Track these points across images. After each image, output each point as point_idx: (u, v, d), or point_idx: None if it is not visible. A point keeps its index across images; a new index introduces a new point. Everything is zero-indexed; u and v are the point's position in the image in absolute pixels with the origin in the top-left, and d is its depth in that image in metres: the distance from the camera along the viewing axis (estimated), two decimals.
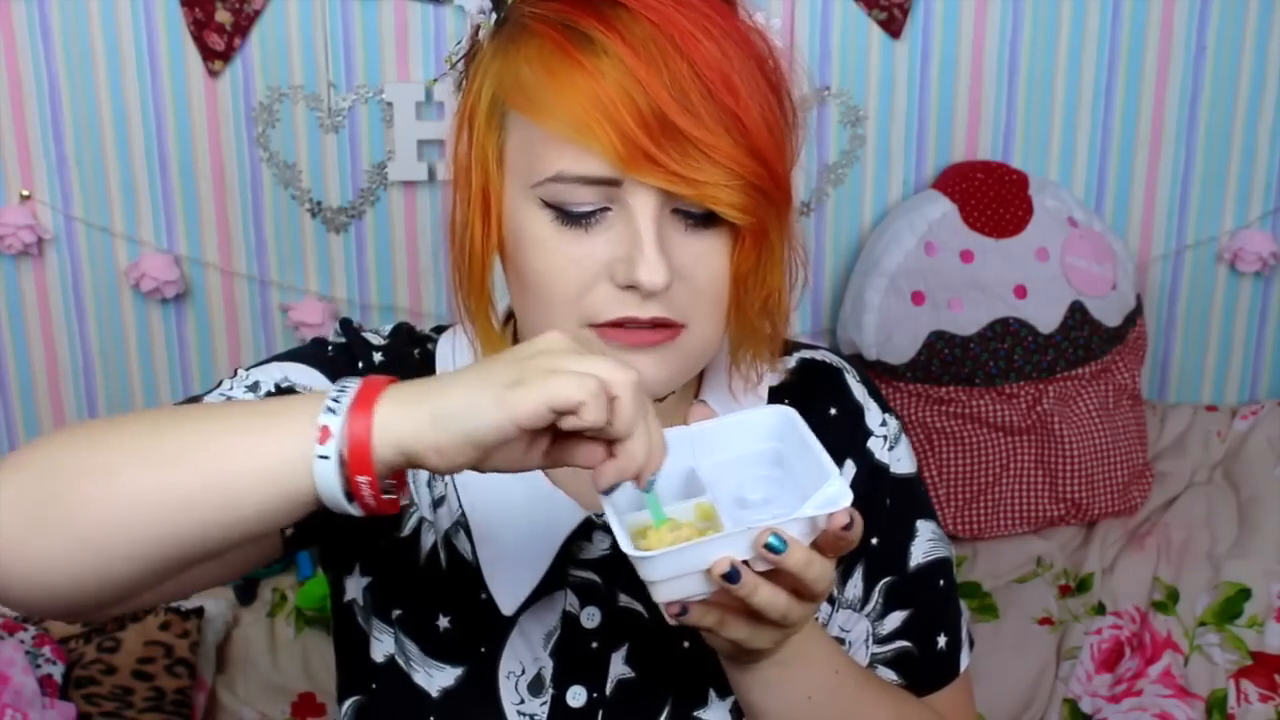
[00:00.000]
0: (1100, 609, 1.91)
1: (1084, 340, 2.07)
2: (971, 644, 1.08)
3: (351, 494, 0.76)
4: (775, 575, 0.81)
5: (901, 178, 2.17)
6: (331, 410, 0.75)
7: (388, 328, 1.06)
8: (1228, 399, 2.32)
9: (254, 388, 0.96)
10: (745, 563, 0.79)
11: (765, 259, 0.93)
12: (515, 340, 1.02)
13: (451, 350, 1.03)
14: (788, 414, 0.88)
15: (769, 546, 0.78)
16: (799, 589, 0.82)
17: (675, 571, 0.79)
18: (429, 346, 1.05)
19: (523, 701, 0.98)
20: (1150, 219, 2.23)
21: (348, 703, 1.03)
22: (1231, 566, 1.93)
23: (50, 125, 2.04)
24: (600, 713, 0.98)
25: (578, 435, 0.77)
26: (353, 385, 0.77)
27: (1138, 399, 2.15)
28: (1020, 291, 2.04)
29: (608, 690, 0.99)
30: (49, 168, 2.05)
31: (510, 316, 1.03)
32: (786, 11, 2.05)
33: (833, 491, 0.81)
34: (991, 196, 2.07)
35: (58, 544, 0.77)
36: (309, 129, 2.06)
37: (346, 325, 1.04)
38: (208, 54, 2.01)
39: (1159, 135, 2.19)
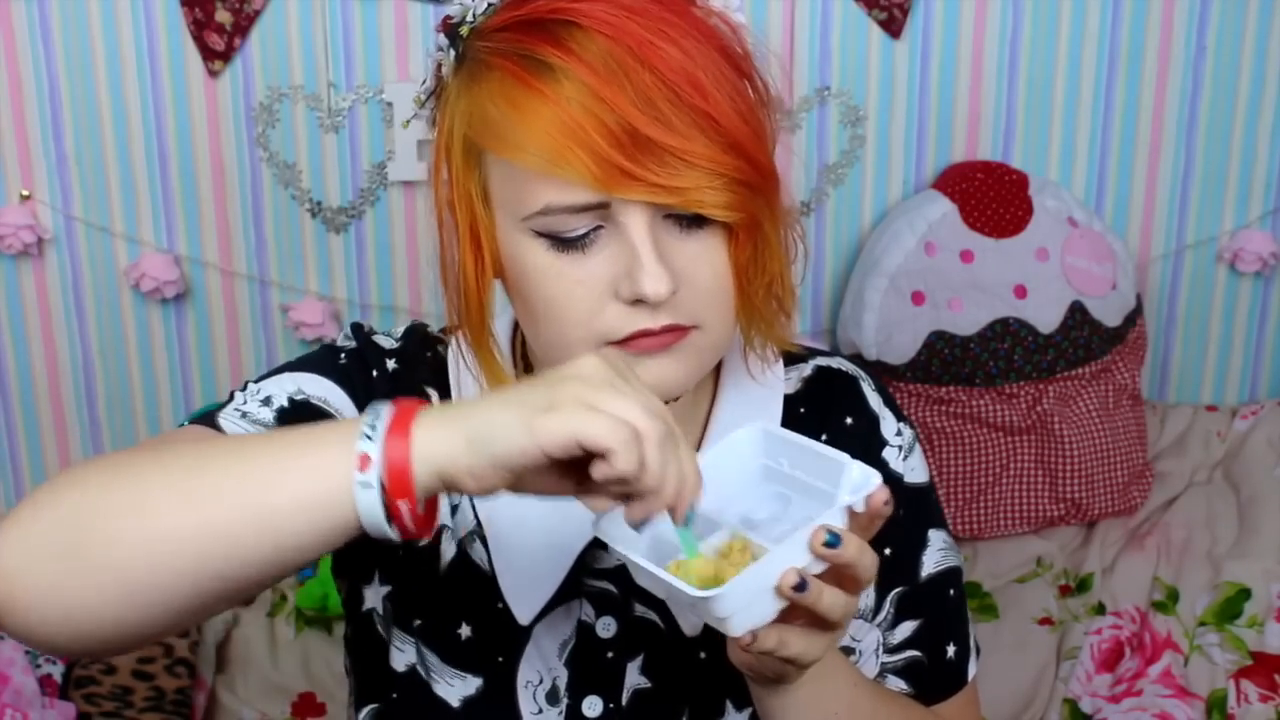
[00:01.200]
0: (1100, 609, 1.91)
1: (1084, 340, 2.07)
2: (978, 652, 1.09)
3: (390, 518, 0.76)
4: (825, 574, 0.81)
5: (901, 178, 2.17)
6: (368, 437, 0.75)
7: (400, 329, 1.05)
8: (1228, 399, 2.32)
9: (267, 402, 0.95)
10: (804, 569, 0.79)
11: (762, 247, 0.93)
12: (523, 354, 1.02)
13: (459, 358, 1.03)
14: (763, 429, 0.88)
15: (827, 544, 0.79)
16: (848, 581, 0.82)
17: (745, 600, 0.79)
18: (441, 350, 1.04)
19: (540, 711, 0.98)
20: (1150, 219, 2.23)
21: (365, 710, 1.03)
22: (1231, 566, 1.93)
23: (50, 125, 2.04)
24: None
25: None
26: (385, 410, 0.76)
27: (1138, 399, 2.15)
28: (1020, 291, 2.04)
29: (623, 700, 0.99)
30: (49, 168, 2.05)
31: (516, 326, 1.03)
32: (786, 11, 2.06)
33: (858, 475, 0.81)
34: (991, 196, 2.07)
35: (96, 587, 0.75)
36: (309, 129, 2.06)
37: (358, 330, 1.03)
38: (208, 54, 2.01)
39: (1159, 135, 2.19)
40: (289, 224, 2.10)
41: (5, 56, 2.01)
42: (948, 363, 2.04)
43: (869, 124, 2.13)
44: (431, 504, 0.78)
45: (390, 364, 1.01)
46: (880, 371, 2.07)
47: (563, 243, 0.89)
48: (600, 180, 0.85)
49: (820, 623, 0.82)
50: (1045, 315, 2.05)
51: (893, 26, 2.09)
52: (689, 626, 1.00)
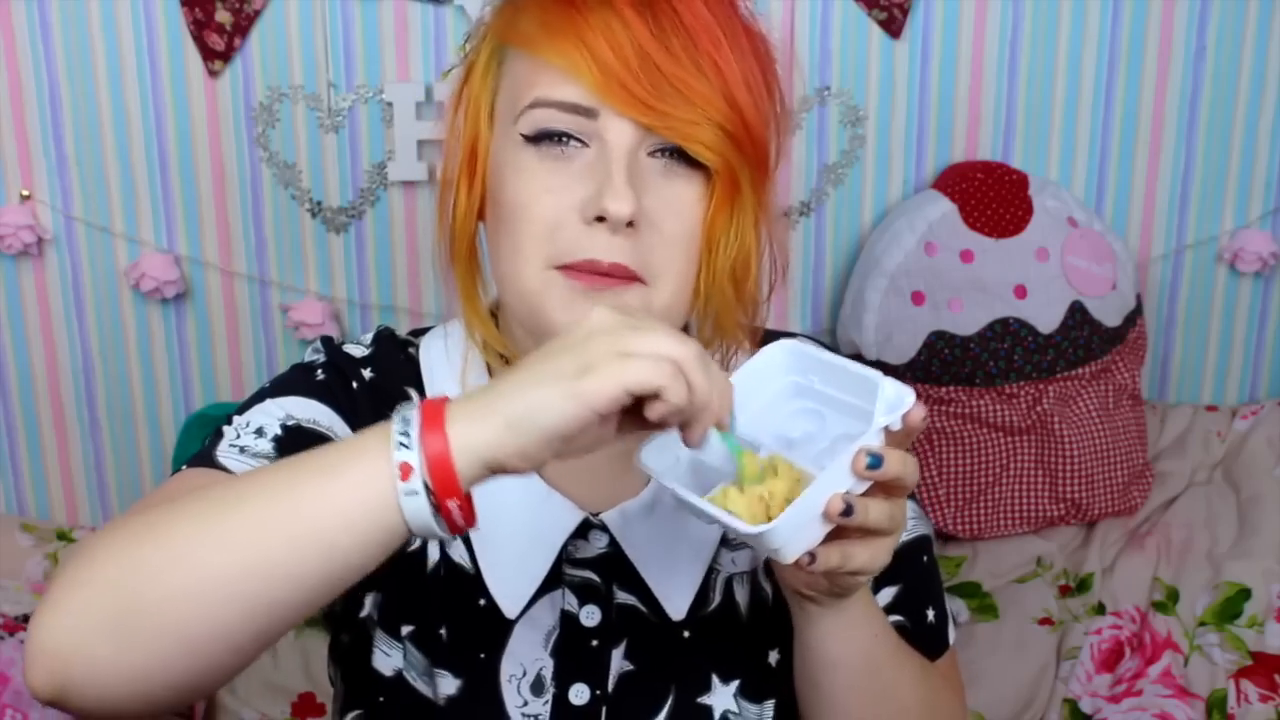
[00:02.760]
0: (1100, 609, 1.91)
1: (1084, 340, 2.07)
2: (954, 620, 1.11)
3: (439, 515, 0.76)
4: (871, 488, 0.83)
5: (901, 178, 2.17)
6: (404, 445, 0.75)
7: (368, 336, 1.05)
8: (1228, 399, 2.32)
9: (260, 433, 0.94)
10: (848, 493, 0.82)
11: (738, 214, 0.94)
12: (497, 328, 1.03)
13: (444, 349, 1.03)
14: (793, 345, 0.90)
15: (870, 466, 0.81)
16: (894, 489, 0.84)
17: (794, 530, 0.81)
18: (411, 351, 1.05)
19: (526, 704, 0.99)
20: (1150, 219, 2.23)
21: (350, 716, 1.03)
22: (1231, 566, 1.93)
23: (50, 125, 2.04)
24: (604, 709, 0.99)
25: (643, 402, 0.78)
26: (413, 414, 0.76)
27: (1138, 399, 2.15)
28: (1020, 291, 2.04)
29: (610, 686, 0.99)
30: (49, 168, 2.05)
31: (492, 312, 1.04)
32: (786, 11, 2.06)
33: (892, 393, 0.83)
34: (991, 196, 2.07)
35: (159, 652, 0.75)
36: (309, 129, 2.06)
37: (327, 343, 1.03)
38: (208, 54, 2.01)
39: (1159, 135, 2.19)
40: (289, 224, 2.10)
41: (5, 56, 2.01)
42: (948, 363, 2.04)
43: (869, 124, 2.13)
44: (471, 496, 0.79)
45: (366, 373, 1.01)
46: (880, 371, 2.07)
47: (547, 140, 0.92)
48: (598, 85, 0.89)
49: (875, 533, 0.84)
50: (1045, 315, 2.05)
51: (893, 26, 2.09)
52: (679, 606, 1.00)
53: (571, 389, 0.74)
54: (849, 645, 0.94)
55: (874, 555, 0.85)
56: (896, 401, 0.82)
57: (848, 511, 0.81)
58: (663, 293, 0.93)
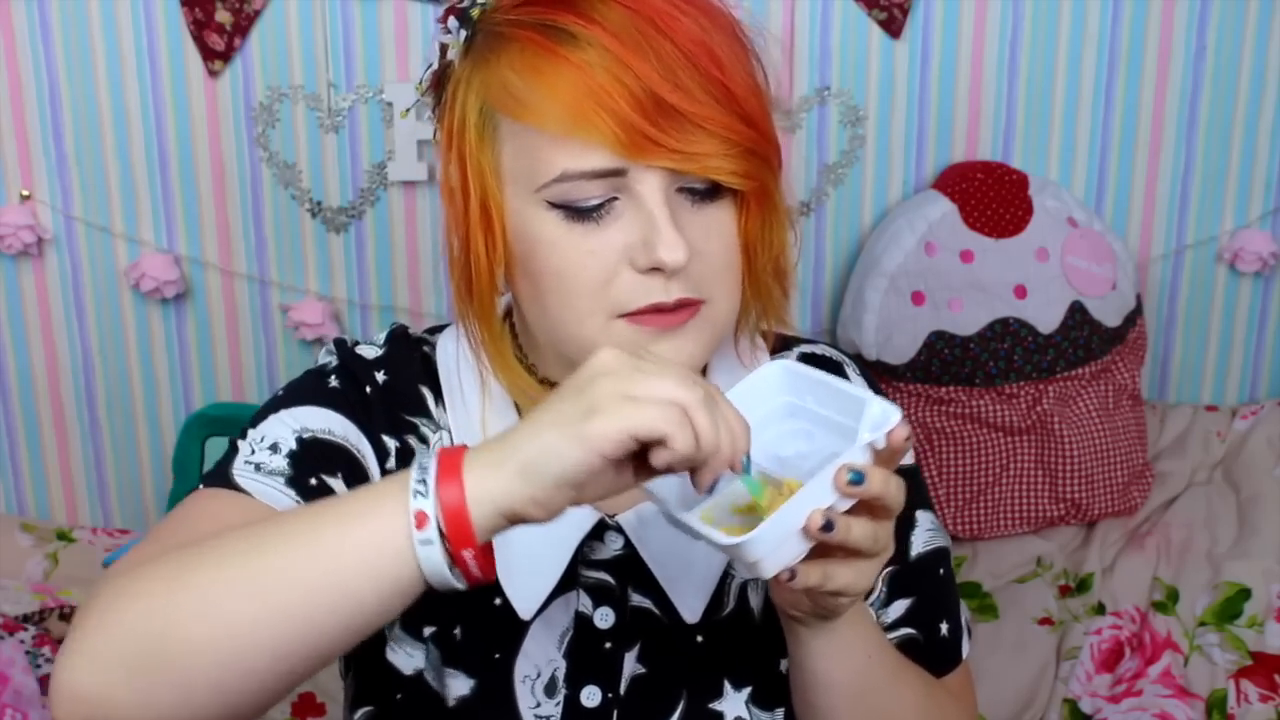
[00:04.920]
0: (1100, 609, 1.91)
1: (1084, 340, 2.07)
2: (970, 632, 1.10)
3: (455, 566, 0.76)
4: (855, 508, 0.82)
5: (901, 178, 2.17)
6: (420, 494, 0.74)
7: (382, 335, 1.05)
8: (1228, 399, 2.32)
9: (275, 448, 0.94)
10: (829, 509, 0.81)
11: (770, 218, 0.94)
12: (515, 339, 1.02)
13: (456, 352, 1.03)
14: (786, 365, 0.90)
15: (851, 482, 0.80)
16: (879, 511, 0.83)
17: (774, 544, 0.80)
18: (425, 350, 1.04)
19: (538, 705, 0.99)
20: (1150, 219, 2.23)
21: (360, 712, 1.03)
22: (1231, 566, 1.93)
23: (50, 125, 2.04)
24: (615, 712, 0.99)
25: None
26: (430, 462, 0.76)
27: (1138, 399, 2.15)
28: (1020, 291, 2.04)
29: (622, 689, 0.99)
30: (49, 168, 2.05)
31: (507, 314, 1.03)
32: (786, 11, 2.06)
33: (878, 412, 0.82)
34: (991, 196, 2.07)
35: (185, 698, 0.75)
36: (309, 129, 2.06)
37: (341, 346, 1.03)
38: (208, 54, 2.01)
39: (1159, 135, 2.19)
40: (289, 224, 2.10)
41: (5, 56, 2.01)
42: (948, 363, 2.04)
43: (869, 124, 2.13)
44: (489, 546, 0.78)
45: (380, 375, 1.01)
46: (880, 372, 2.07)
47: (577, 213, 0.89)
48: (623, 144, 0.86)
49: (857, 554, 0.84)
50: (1045, 315, 2.05)
51: (893, 26, 2.09)
52: (693, 610, 1.00)
53: (577, 433, 0.73)
54: (840, 667, 0.94)
55: (857, 577, 0.84)
56: (881, 419, 0.82)
57: (828, 527, 0.80)
58: (720, 308, 0.93)
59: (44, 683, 1.73)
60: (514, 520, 0.76)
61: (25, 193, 2.05)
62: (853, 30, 2.09)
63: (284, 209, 2.09)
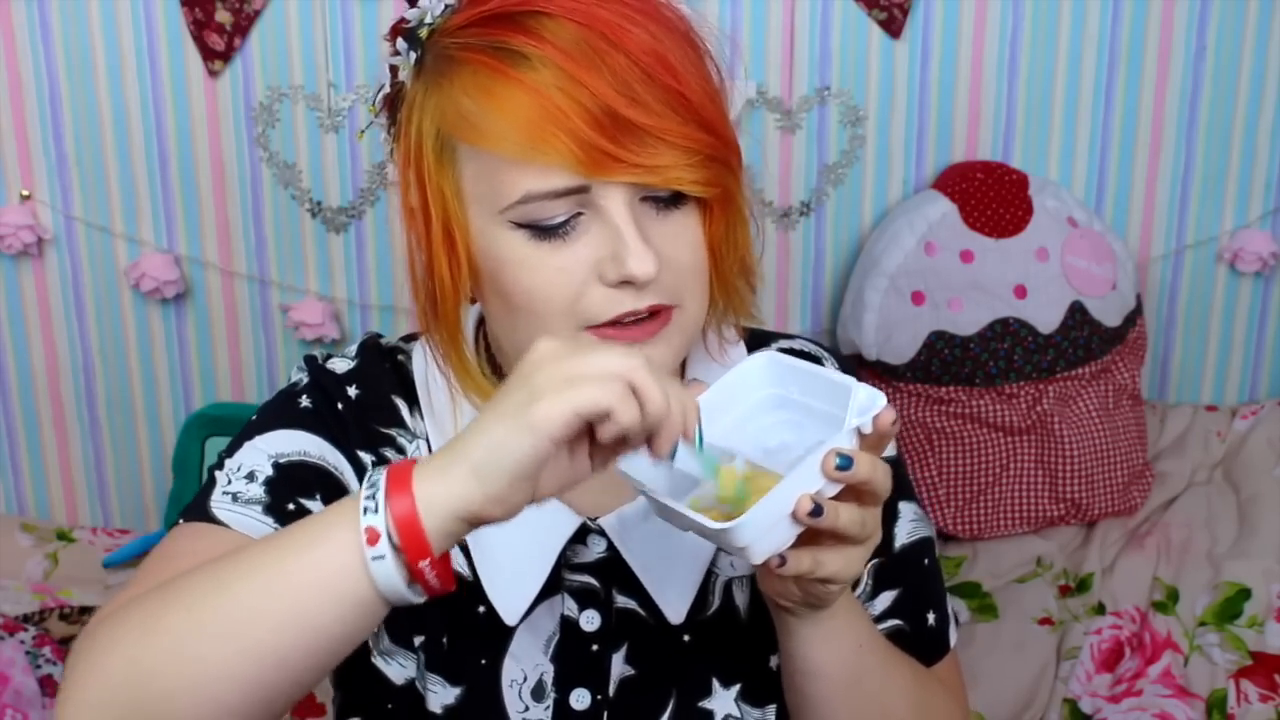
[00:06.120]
0: (1100, 609, 1.91)
1: (1084, 340, 2.07)
2: (956, 621, 1.11)
3: (414, 580, 0.76)
4: (842, 493, 0.82)
5: (901, 178, 2.17)
6: (370, 510, 0.75)
7: (354, 347, 1.04)
8: (1228, 399, 2.32)
9: (251, 477, 0.94)
10: (817, 494, 0.81)
11: (734, 219, 0.94)
12: (489, 358, 1.02)
13: (425, 363, 1.02)
14: (771, 356, 0.90)
15: (839, 467, 0.80)
16: (866, 496, 0.83)
17: (762, 529, 0.81)
18: (399, 359, 1.03)
19: (527, 709, 0.99)
20: (1150, 219, 2.23)
21: None
22: (1231, 566, 1.93)
23: (50, 125, 2.04)
24: (605, 713, 0.99)
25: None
26: (380, 478, 0.76)
27: (1138, 399, 2.15)
28: (1020, 291, 2.04)
29: (611, 691, 0.99)
30: (49, 168, 2.05)
31: (478, 329, 1.03)
32: (786, 11, 2.05)
33: (864, 397, 0.83)
34: (991, 196, 2.07)
35: None
36: (309, 129, 2.06)
37: (311, 362, 1.02)
38: (208, 54, 2.01)
39: (1159, 135, 2.19)
40: (289, 224, 2.10)
41: (5, 56, 2.01)
42: (948, 363, 2.04)
43: (869, 124, 2.13)
44: (447, 556, 0.78)
45: (351, 390, 1.00)
46: (880, 372, 2.07)
47: (542, 231, 0.89)
48: (584, 163, 0.86)
49: (846, 540, 0.84)
50: (1045, 315, 2.05)
51: (893, 26, 2.09)
52: (677, 610, 1.00)
53: (523, 422, 0.73)
54: (830, 656, 0.94)
55: (846, 563, 0.84)
56: (868, 404, 0.83)
57: (816, 512, 0.80)
58: (691, 312, 0.93)
59: (44, 683, 1.73)
60: (474, 523, 0.76)
61: (25, 193, 2.05)
62: (853, 30, 2.09)
63: (284, 209, 2.09)
